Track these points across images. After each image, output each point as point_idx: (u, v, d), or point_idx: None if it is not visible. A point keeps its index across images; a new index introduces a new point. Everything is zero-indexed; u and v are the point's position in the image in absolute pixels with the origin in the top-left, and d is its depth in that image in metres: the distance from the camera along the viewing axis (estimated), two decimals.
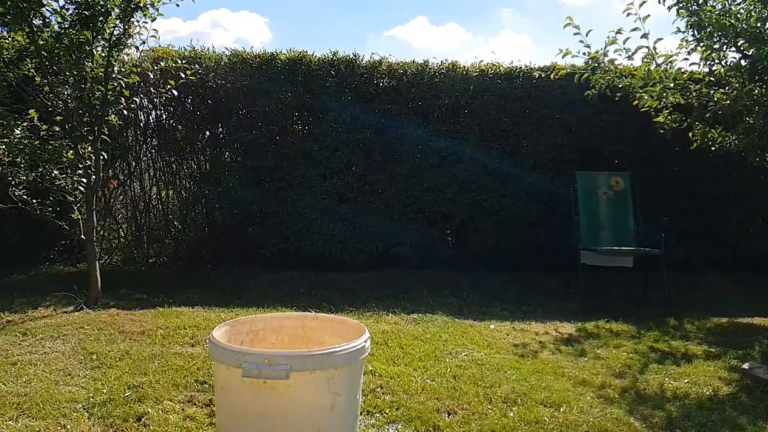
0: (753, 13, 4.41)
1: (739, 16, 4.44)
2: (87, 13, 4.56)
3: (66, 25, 4.65)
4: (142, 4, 4.71)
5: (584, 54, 5.04)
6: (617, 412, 3.03)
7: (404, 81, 6.63)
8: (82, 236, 5.06)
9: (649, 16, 4.68)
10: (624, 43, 4.83)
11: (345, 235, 6.51)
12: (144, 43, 4.99)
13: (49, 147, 4.83)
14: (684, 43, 4.81)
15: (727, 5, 4.48)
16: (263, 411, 2.00)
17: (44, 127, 4.88)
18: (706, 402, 3.23)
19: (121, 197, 6.97)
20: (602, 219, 6.06)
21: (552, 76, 5.89)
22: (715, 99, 4.78)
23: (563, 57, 5.00)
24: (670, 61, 4.86)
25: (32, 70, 4.95)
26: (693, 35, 4.75)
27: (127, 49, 5.00)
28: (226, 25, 50.68)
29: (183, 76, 5.36)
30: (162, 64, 5.74)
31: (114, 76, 4.85)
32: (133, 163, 6.75)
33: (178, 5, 4.98)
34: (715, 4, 4.55)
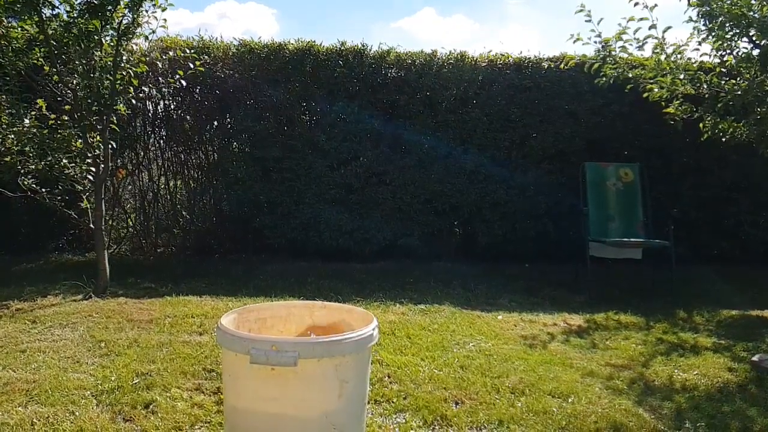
0: (765, 3, 4.36)
1: (751, 5, 4.38)
2: (96, 2, 4.56)
3: (75, 14, 4.65)
4: None
5: (595, 42, 4.99)
6: (626, 403, 3.02)
7: (412, 71, 6.59)
8: (91, 225, 5.08)
9: (656, 5, 4.64)
10: (634, 33, 4.80)
11: (352, 225, 6.51)
12: (153, 32, 5.00)
13: (58, 136, 4.84)
14: (695, 32, 4.75)
15: None
16: (271, 398, 2.00)
17: (53, 116, 4.89)
18: (715, 394, 3.22)
19: (130, 187, 7.00)
20: (611, 210, 6.02)
21: (562, 66, 5.85)
22: (726, 89, 4.73)
23: (574, 42, 4.96)
24: (680, 52, 4.82)
25: (41, 60, 4.95)
26: (704, 25, 4.70)
27: (136, 39, 5.00)
28: (233, 17, 50.57)
29: (191, 66, 5.35)
30: (170, 53, 5.73)
31: (123, 65, 4.85)
32: (142, 153, 6.76)
33: None
34: None
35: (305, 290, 5.28)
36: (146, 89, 5.96)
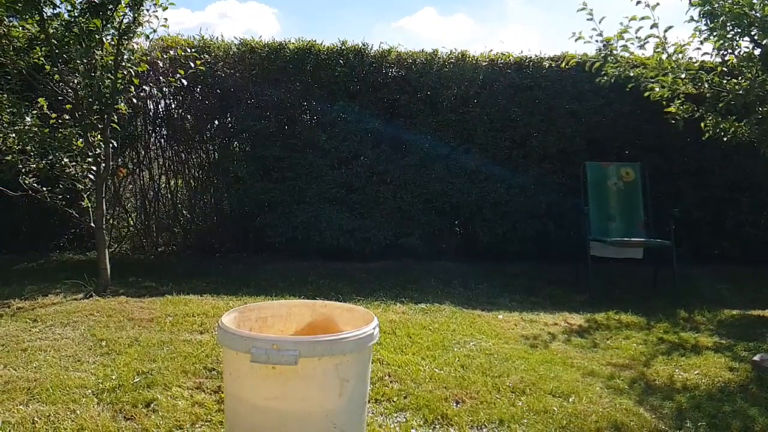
0: (767, 3, 4.35)
1: (752, 5, 4.38)
2: (97, 1, 4.56)
3: (76, 14, 4.65)
4: None
5: (596, 40, 4.98)
6: (627, 403, 3.02)
7: (413, 70, 6.59)
8: (92, 224, 5.08)
9: (658, 4, 4.63)
10: (636, 32, 4.79)
11: (353, 225, 6.51)
12: (154, 31, 4.99)
13: (59, 135, 4.85)
14: (697, 33, 4.75)
15: None
16: (271, 396, 2.00)
17: (54, 115, 4.89)
18: (716, 393, 3.21)
19: (131, 186, 7.01)
20: (612, 210, 6.01)
21: (563, 65, 5.84)
22: (728, 89, 4.73)
23: (575, 41, 4.96)
24: (681, 51, 4.81)
25: (42, 59, 4.96)
26: (706, 24, 4.69)
27: (136, 38, 5.00)
28: (234, 16, 50.63)
29: (192, 65, 5.35)
30: (171, 53, 5.73)
31: (123, 64, 4.85)
32: (142, 152, 6.77)
33: None
34: None
35: (306, 290, 5.27)
36: (147, 88, 5.97)
